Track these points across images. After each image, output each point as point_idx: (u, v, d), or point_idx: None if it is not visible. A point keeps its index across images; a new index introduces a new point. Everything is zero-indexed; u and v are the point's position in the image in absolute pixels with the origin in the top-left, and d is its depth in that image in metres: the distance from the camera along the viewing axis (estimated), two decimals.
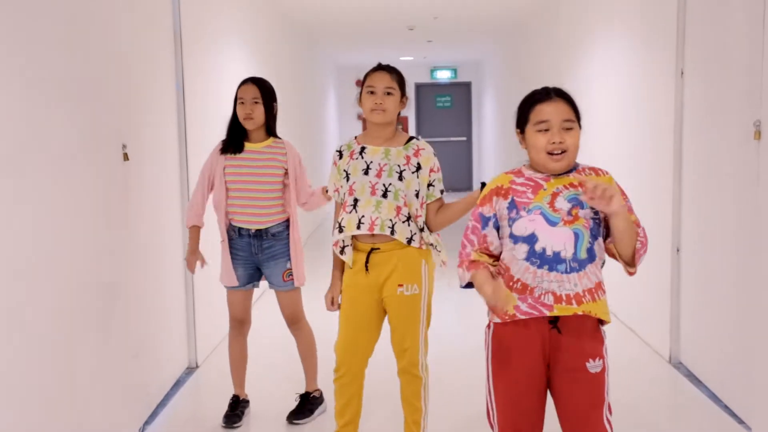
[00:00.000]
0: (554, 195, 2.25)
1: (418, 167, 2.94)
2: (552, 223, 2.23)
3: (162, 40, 4.11)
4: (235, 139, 3.47)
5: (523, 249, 2.25)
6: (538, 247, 2.23)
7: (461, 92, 15.34)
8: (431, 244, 2.98)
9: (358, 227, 2.89)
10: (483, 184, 2.61)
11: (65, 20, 2.81)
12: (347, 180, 2.96)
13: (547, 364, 2.28)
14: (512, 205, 2.28)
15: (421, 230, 2.95)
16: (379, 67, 3.00)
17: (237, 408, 3.63)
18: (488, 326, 2.37)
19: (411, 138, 3.03)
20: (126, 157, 3.35)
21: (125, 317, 3.34)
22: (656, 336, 4.53)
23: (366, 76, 3.00)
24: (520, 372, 2.29)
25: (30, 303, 2.49)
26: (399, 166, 2.92)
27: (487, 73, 13.68)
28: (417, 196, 2.93)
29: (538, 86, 2.37)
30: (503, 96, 11.31)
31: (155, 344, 3.82)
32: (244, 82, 3.49)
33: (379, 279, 2.93)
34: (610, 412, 2.29)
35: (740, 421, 3.48)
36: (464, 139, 15.38)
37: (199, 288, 4.46)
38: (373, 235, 2.91)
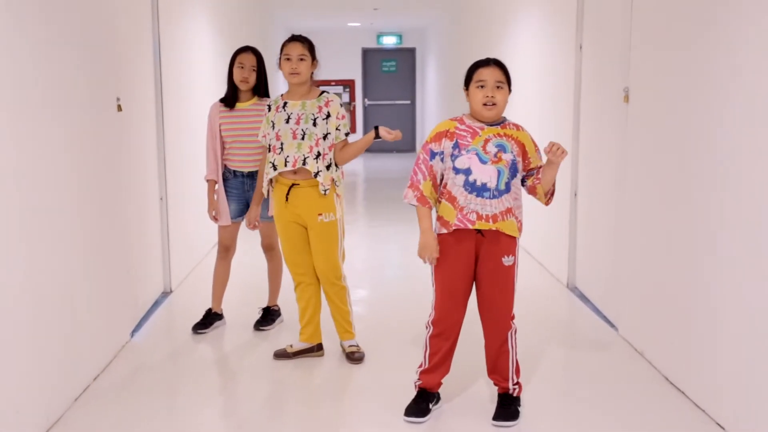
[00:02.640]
0: (486, 141, 3.09)
1: (328, 115, 3.75)
2: (483, 162, 3.07)
3: (143, 11, 4.78)
4: (231, 97, 4.19)
5: (461, 178, 3.09)
6: (471, 178, 3.07)
7: (406, 57, 16.07)
8: (334, 180, 3.76)
9: (285, 165, 3.71)
10: (376, 128, 3.75)
11: None
12: (273, 128, 3.77)
13: (476, 260, 3.14)
14: (456, 146, 3.10)
15: (328, 168, 3.73)
16: (293, 38, 3.80)
17: (207, 319, 4.41)
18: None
19: (323, 92, 3.83)
20: (119, 108, 4.04)
21: (116, 248, 4.04)
22: (557, 266, 5.45)
23: (283, 45, 3.79)
24: (455, 264, 3.14)
25: (42, 232, 3.17)
26: (313, 114, 3.73)
27: (431, 39, 14.41)
28: (325, 138, 3.73)
29: (476, 53, 3.23)
30: (446, 62, 12.08)
31: (138, 271, 4.52)
32: (245, 50, 4.18)
33: (298, 210, 3.76)
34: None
35: (612, 325, 4.41)
36: (408, 102, 16.16)
37: (174, 224, 5.20)
38: (294, 172, 3.72)
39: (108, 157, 3.91)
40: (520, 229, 3.16)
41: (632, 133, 4.06)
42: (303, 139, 3.68)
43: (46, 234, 3.12)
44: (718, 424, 3.13)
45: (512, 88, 3.16)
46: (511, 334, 3.20)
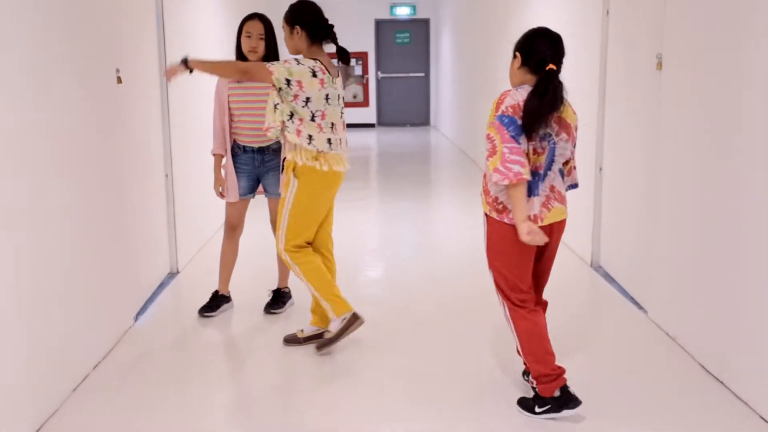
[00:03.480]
0: None
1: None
2: None
3: None
4: None
5: None
6: None
7: (420, 29, 15.71)
8: (285, 126, 3.42)
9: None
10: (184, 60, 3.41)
11: None
12: None
13: None
14: None
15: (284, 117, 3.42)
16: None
17: (214, 301, 4.21)
18: None
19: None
20: (119, 80, 3.81)
21: (118, 228, 3.84)
22: (581, 244, 5.20)
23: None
24: None
25: (37, 212, 2.97)
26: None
27: (446, 10, 14.06)
28: (280, 91, 3.41)
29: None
30: (461, 32, 11.76)
31: (143, 251, 4.34)
32: (251, 17, 3.93)
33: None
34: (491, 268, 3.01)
35: (640, 307, 4.18)
36: (422, 74, 15.83)
37: (180, 202, 4.99)
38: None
39: (107, 133, 3.69)
40: (489, 204, 2.93)
41: (666, 103, 3.79)
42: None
43: (41, 215, 2.92)
44: (762, 418, 2.90)
45: (518, 53, 2.90)
46: (505, 314, 3.01)
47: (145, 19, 4.52)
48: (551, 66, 2.83)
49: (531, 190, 2.87)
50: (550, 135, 2.88)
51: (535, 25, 3.08)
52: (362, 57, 15.58)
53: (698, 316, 3.45)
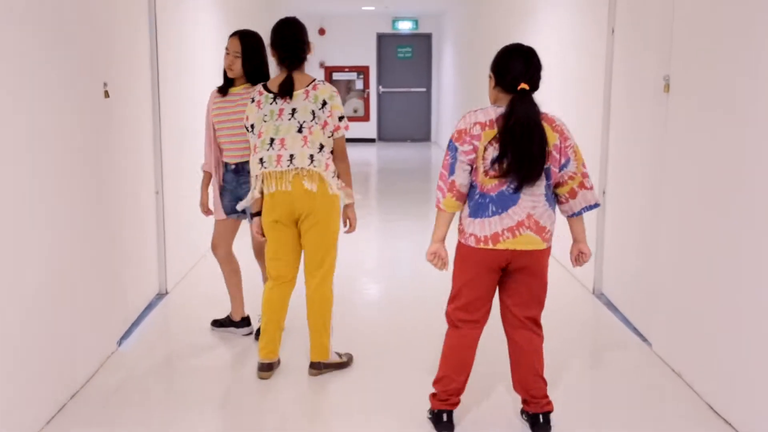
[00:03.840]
0: None
1: None
2: None
3: None
4: (224, 83, 3.85)
5: None
6: None
7: (422, 43, 15.62)
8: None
9: None
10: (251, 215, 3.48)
11: None
12: None
13: None
14: None
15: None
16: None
17: (222, 320, 4.15)
18: None
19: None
20: (107, 94, 3.68)
21: (105, 246, 3.70)
22: (582, 270, 5.04)
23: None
24: None
25: (26, 232, 2.84)
26: None
27: (448, 25, 13.98)
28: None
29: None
30: (463, 48, 11.65)
31: (129, 271, 4.19)
32: (232, 35, 3.82)
33: None
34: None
35: (644, 339, 4.02)
36: (424, 89, 15.73)
37: (170, 219, 4.85)
38: None
39: (94, 149, 3.55)
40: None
41: (673, 127, 3.65)
42: None
43: (24, 234, 2.77)
44: None
45: (492, 74, 2.90)
46: None
47: (136, 27, 4.39)
48: (523, 86, 2.78)
49: (481, 211, 2.82)
50: None
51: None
52: (363, 71, 15.48)
53: (705, 352, 3.29)
